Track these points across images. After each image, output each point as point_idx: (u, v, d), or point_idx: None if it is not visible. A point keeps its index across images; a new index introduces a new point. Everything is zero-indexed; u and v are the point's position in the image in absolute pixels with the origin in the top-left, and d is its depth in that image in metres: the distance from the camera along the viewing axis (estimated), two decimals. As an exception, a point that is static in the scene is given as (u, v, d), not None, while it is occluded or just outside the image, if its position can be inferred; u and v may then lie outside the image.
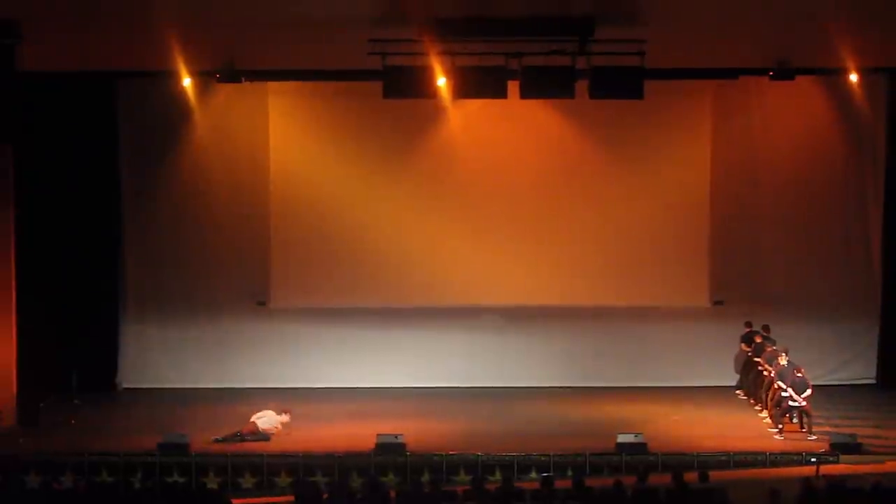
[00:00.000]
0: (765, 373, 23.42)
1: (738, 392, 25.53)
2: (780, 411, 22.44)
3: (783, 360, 22.61)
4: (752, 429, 22.24)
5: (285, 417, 22.44)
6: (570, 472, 19.90)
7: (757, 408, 24.10)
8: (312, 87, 25.64)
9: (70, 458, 20.75)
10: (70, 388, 24.52)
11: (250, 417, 22.32)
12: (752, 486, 17.99)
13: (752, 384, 24.62)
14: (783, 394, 22.31)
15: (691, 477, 17.56)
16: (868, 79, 24.68)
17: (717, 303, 26.39)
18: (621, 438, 21.12)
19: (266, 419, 22.30)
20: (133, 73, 24.73)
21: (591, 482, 17.61)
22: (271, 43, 21.74)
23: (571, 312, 26.32)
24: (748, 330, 25.27)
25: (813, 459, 20.37)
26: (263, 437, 22.03)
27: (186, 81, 23.94)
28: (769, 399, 22.97)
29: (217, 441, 21.67)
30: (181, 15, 20.34)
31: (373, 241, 26.21)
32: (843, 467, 20.11)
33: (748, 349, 25.01)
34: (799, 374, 22.23)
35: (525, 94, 22.13)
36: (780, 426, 22.36)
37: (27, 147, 24.38)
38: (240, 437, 21.83)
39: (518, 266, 26.24)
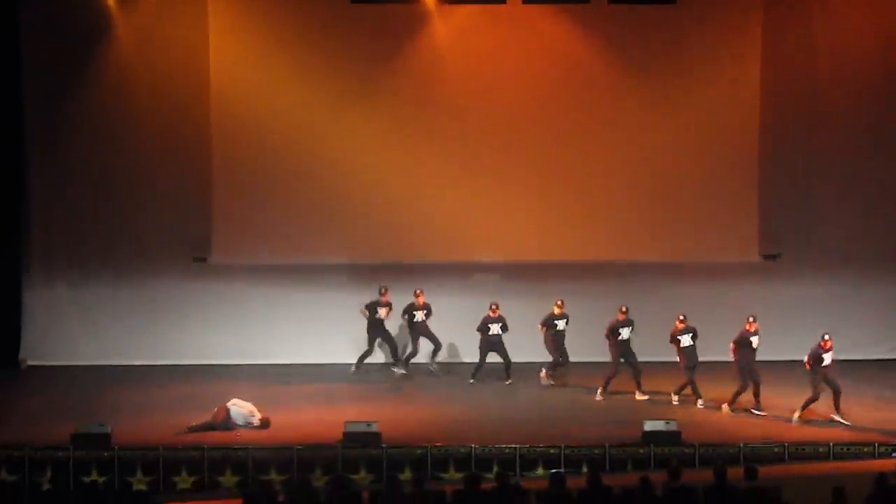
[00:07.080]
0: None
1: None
2: None
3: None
4: (811, 414, 22.14)
5: (256, 421, 22.06)
6: (584, 469, 19.91)
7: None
8: (264, -12, 25.61)
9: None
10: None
11: (225, 403, 22.13)
12: (812, 485, 17.87)
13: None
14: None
15: (736, 473, 17.43)
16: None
17: (767, 257, 26.53)
18: (648, 426, 21.05)
19: (237, 409, 22.03)
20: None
21: (610, 481, 17.50)
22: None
23: (588, 270, 26.39)
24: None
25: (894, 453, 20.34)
26: (231, 425, 21.88)
27: (105, -15, 23.91)
28: None
29: (190, 430, 21.49)
30: None
31: (338, 184, 26.14)
32: (924, 461, 20.12)
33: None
34: None
35: (529, -4, 22.10)
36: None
37: None
38: (211, 426, 21.71)
39: (520, 214, 26.29)
